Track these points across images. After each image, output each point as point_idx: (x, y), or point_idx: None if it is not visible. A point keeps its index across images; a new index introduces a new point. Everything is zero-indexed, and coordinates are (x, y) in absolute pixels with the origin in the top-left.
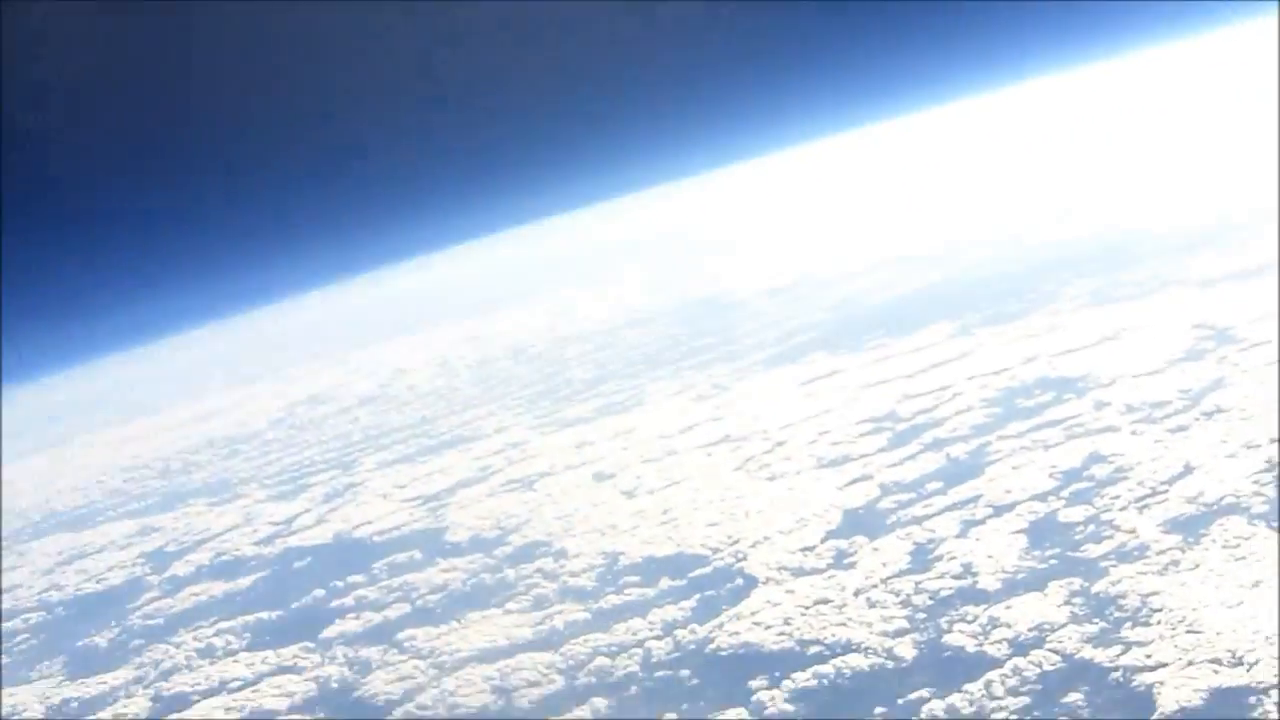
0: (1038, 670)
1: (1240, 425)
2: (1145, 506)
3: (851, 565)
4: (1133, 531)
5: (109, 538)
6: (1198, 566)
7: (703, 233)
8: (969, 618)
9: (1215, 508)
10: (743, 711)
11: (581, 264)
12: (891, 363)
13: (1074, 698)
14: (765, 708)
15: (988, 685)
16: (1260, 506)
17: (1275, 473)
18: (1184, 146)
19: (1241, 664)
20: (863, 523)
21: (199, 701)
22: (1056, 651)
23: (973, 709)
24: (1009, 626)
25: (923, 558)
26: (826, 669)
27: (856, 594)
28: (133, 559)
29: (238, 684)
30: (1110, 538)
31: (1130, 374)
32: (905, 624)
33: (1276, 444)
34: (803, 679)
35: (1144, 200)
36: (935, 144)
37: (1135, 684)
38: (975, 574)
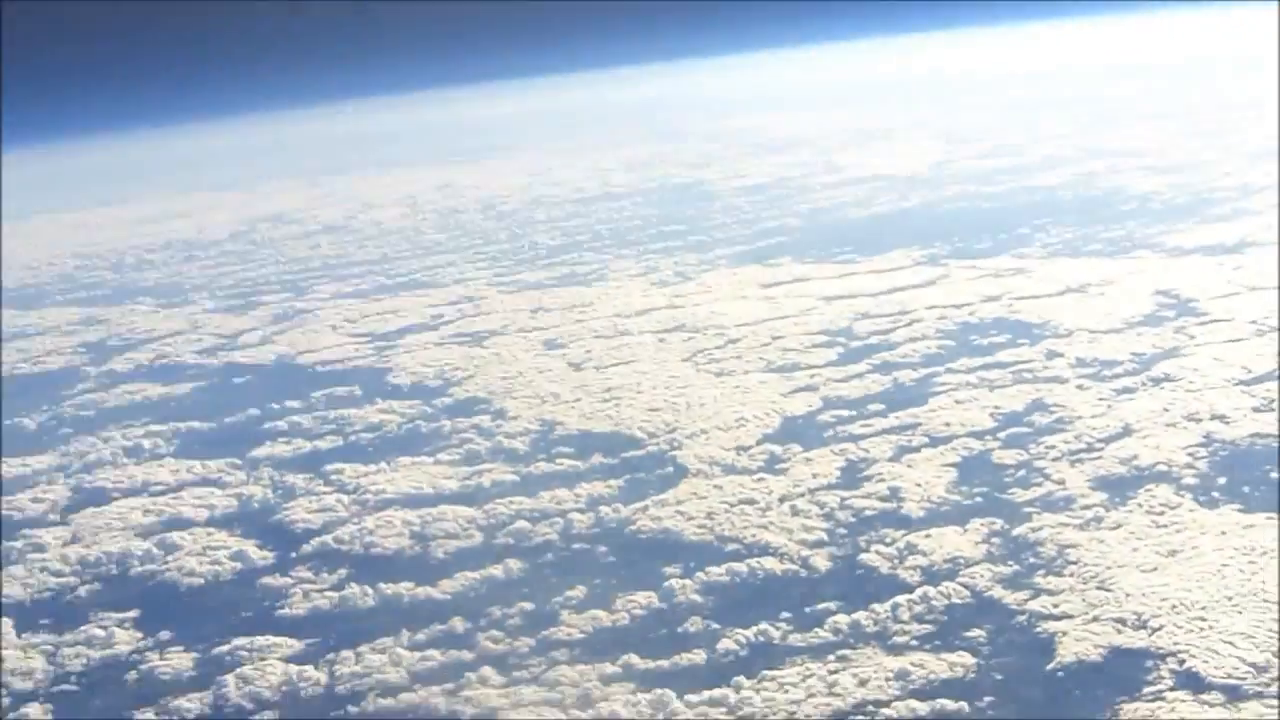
0: (945, 602)
1: (1185, 397)
2: (1078, 460)
3: (782, 471)
4: (1061, 483)
5: (52, 322)
6: (1119, 527)
7: (696, 117)
8: (887, 540)
9: (1146, 473)
10: (653, 596)
11: (568, 128)
12: (856, 279)
13: (976, 633)
14: (675, 595)
15: (894, 608)
16: (1190, 479)
17: (1210, 448)
18: (1194, 111)
19: (1145, 628)
20: (800, 432)
21: (118, 499)
22: (967, 587)
23: (876, 628)
24: (925, 555)
25: (853, 475)
26: (740, 567)
27: (782, 500)
28: (73, 347)
29: (160, 488)
30: (1039, 485)
31: (1087, 328)
32: (824, 536)
33: (1218, 419)
34: (716, 573)
35: (1141, 158)
36: (947, 68)
37: (1038, 630)
38: (901, 499)
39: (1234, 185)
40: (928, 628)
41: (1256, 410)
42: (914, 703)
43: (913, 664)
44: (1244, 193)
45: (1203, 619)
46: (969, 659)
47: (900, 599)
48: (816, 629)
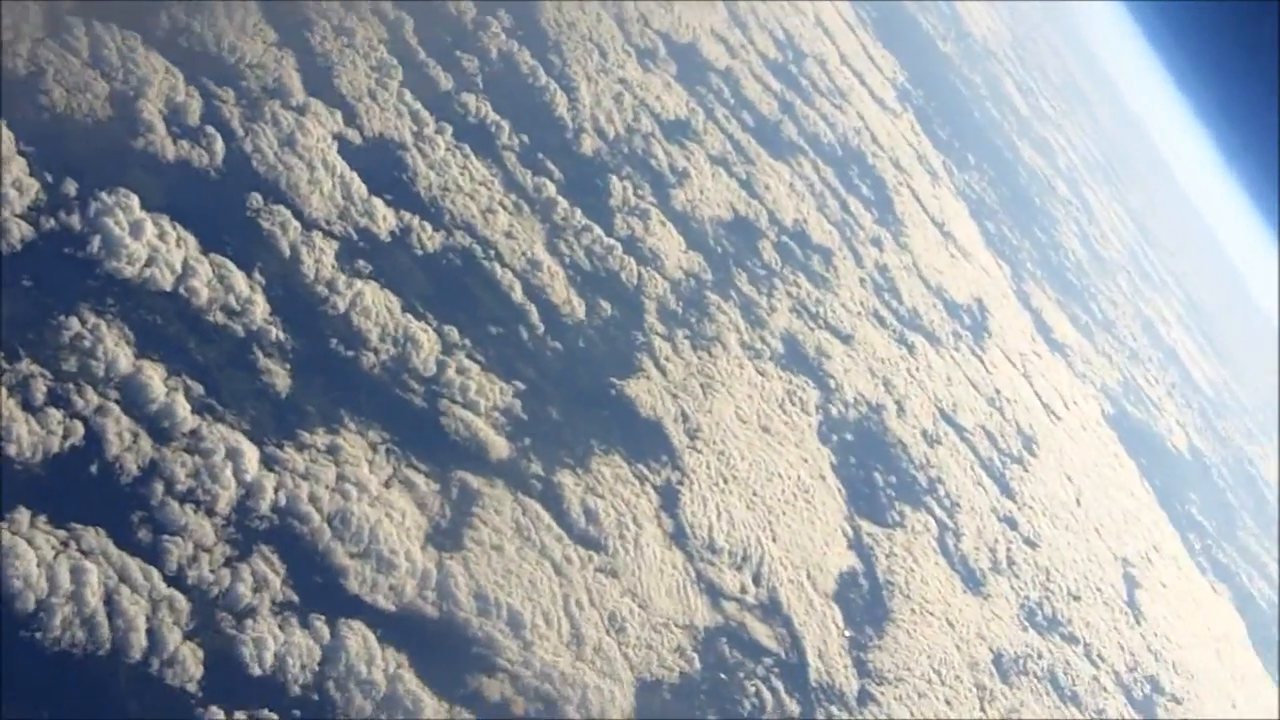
0: (632, 283)
1: (897, 369)
2: (799, 314)
3: (645, 78)
4: (771, 311)
5: None
6: (763, 375)
7: None
8: (639, 191)
9: (818, 371)
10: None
11: None
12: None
13: (604, 306)
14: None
15: (585, 233)
16: (834, 412)
17: (861, 416)
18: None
19: (693, 443)
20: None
21: None
22: (645, 287)
23: (560, 236)
24: (651, 240)
25: (676, 132)
26: (545, 99)
27: (617, 98)
28: None
29: None
30: (760, 295)
31: (913, 258)
32: (607, 146)
33: (895, 406)
34: (518, 82)
35: (1096, 225)
36: None
37: (636, 358)
38: (679, 182)
39: (1115, 311)
40: (587, 269)
41: (916, 434)
42: (521, 295)
43: (546, 273)
44: (1107, 326)
45: (724, 485)
46: (578, 309)
47: (599, 234)
48: (532, 177)
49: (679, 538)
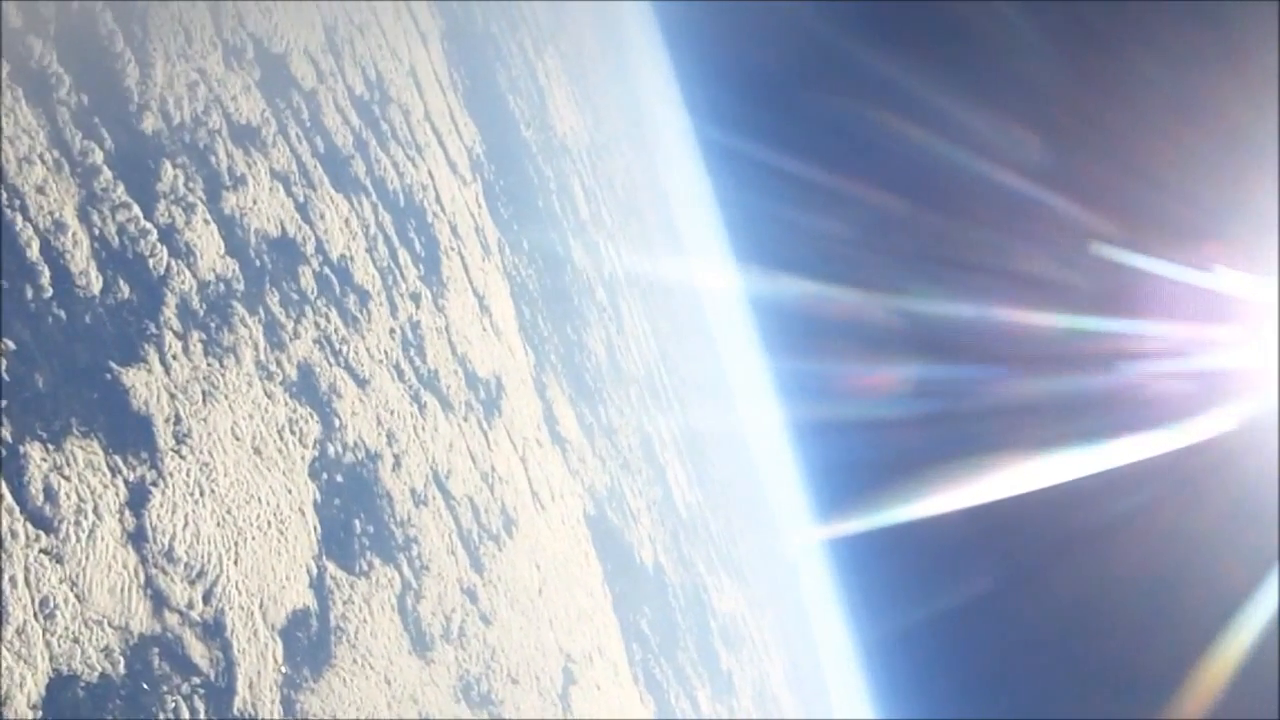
0: (142, 255)
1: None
2: (308, 303)
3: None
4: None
5: None
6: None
7: None
8: (188, 185)
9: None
10: None
11: None
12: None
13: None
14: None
15: (131, 222)
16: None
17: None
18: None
19: (176, 453)
20: None
21: None
22: (180, 277)
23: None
24: (181, 238)
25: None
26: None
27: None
28: None
29: None
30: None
31: (457, 324)
32: (167, 132)
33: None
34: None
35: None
36: None
37: (145, 347)
38: (234, 184)
39: (620, 420)
40: (115, 246)
41: (406, 491)
42: (36, 254)
43: (70, 239)
44: (609, 432)
45: (200, 497)
46: (95, 284)
47: (138, 214)
48: (81, 139)
49: (138, 539)
